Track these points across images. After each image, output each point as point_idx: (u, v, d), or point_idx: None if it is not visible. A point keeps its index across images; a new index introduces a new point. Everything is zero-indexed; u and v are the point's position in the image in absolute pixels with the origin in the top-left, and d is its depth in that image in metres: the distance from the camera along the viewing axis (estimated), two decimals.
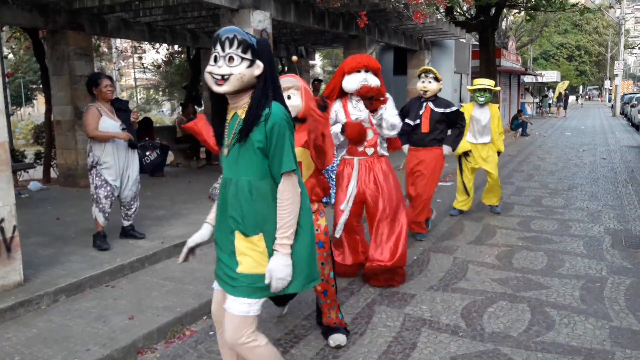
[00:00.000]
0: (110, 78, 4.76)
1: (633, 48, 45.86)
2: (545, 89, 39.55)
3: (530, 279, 4.26)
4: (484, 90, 6.18)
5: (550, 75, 32.78)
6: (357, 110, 4.15)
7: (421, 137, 5.28)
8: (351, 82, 4.06)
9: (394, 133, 4.19)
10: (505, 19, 29.33)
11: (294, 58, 3.31)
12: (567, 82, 34.29)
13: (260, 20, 6.19)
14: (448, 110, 5.28)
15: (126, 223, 4.96)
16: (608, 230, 5.67)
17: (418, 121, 5.27)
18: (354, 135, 4.06)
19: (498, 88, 7.18)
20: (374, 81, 4.13)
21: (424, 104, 5.27)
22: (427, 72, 5.22)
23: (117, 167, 4.67)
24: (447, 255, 4.92)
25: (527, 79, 30.12)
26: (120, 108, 4.77)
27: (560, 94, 32.33)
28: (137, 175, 4.90)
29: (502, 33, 28.30)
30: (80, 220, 5.66)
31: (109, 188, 4.65)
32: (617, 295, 3.88)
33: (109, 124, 4.62)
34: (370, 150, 4.22)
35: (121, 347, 3.07)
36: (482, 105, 6.21)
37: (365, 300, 3.91)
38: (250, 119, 2.00)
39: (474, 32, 19.36)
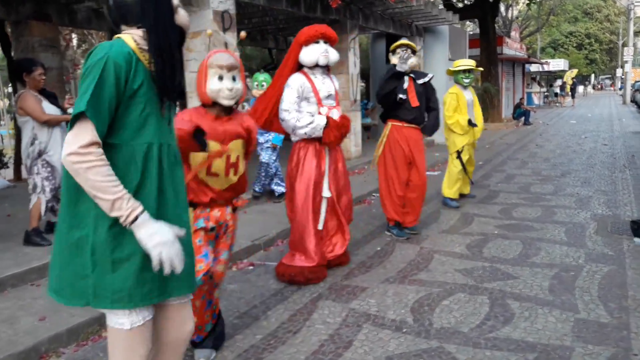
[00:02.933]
0: (43, 66, 4.48)
1: None
2: (554, 78, 38.76)
3: (497, 268, 3.87)
4: (468, 71, 5.78)
5: (557, 64, 31.95)
6: (326, 85, 3.82)
7: (413, 113, 4.69)
8: (311, 54, 3.70)
9: None
10: (510, 9, 28.75)
11: (242, 34, 2.95)
12: (575, 71, 33.48)
13: (221, 1, 5.84)
14: (426, 79, 4.82)
15: (54, 219, 4.64)
16: (595, 216, 5.24)
17: (405, 95, 4.67)
18: (339, 138, 3.79)
19: (480, 68, 6.77)
20: (333, 53, 3.78)
21: (405, 77, 4.70)
22: (403, 46, 4.66)
23: (59, 155, 4.39)
24: (414, 246, 4.54)
25: (534, 68, 29.41)
26: (50, 96, 4.49)
27: (564, 83, 31.54)
28: None
29: (507, 22, 27.74)
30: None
31: (54, 181, 4.36)
32: (590, 284, 3.47)
33: (52, 109, 4.38)
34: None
35: (18, 352, 2.74)
36: (465, 87, 5.83)
37: (311, 294, 3.55)
38: None
39: (473, 19, 18.90)
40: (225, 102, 2.47)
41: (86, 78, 1.52)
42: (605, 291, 3.34)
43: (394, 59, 4.63)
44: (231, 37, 6.10)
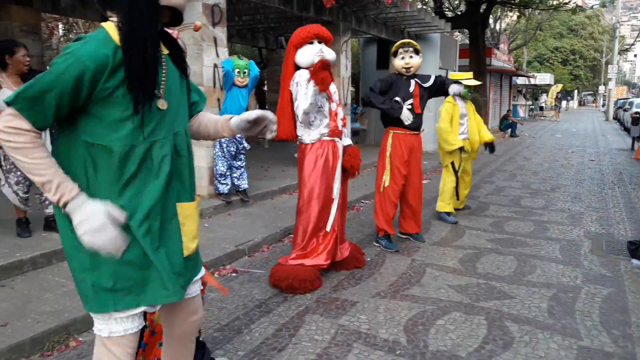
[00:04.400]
0: (25, 47, 4.19)
1: (627, 51, 45.55)
2: (540, 92, 39.15)
3: (493, 286, 3.70)
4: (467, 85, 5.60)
5: (543, 78, 32.27)
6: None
7: (416, 120, 4.51)
8: (305, 56, 3.59)
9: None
10: (499, 21, 28.92)
11: (197, 24, 2.74)
12: (560, 86, 33.83)
13: None
14: (431, 82, 4.61)
15: (47, 211, 4.38)
16: (589, 234, 5.11)
17: (411, 101, 4.46)
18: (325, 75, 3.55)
19: (479, 82, 6.65)
20: (329, 53, 3.63)
21: (412, 81, 4.50)
22: (405, 45, 4.43)
23: None
24: (405, 257, 4.35)
25: (520, 81, 29.63)
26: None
27: (557, 97, 31.83)
28: None
29: (495, 34, 27.89)
30: (1, 210, 5.04)
31: (19, 172, 4.09)
32: (590, 308, 3.32)
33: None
34: (344, 130, 3.87)
35: None
36: (465, 100, 5.66)
37: (298, 307, 3.33)
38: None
39: (463, 29, 18.90)
40: None
41: (45, 72, 1.37)
42: (607, 316, 3.18)
43: (397, 61, 4.44)
44: (221, 32, 5.87)
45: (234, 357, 2.69)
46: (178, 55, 1.61)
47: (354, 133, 11.84)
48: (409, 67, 4.42)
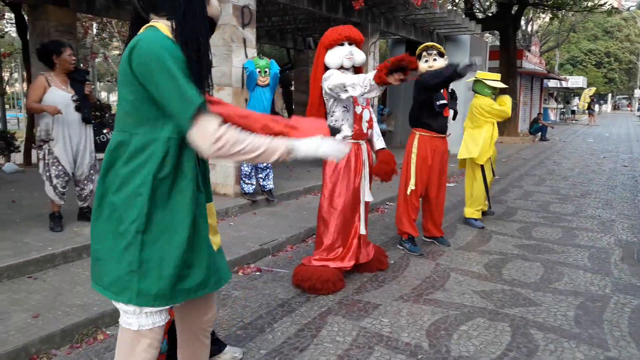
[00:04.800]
0: (71, 47, 4.38)
1: None
2: (572, 95, 38.29)
3: (519, 293, 3.65)
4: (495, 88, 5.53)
5: (575, 81, 31.57)
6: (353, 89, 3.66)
7: (443, 123, 4.52)
8: (335, 57, 3.60)
9: None
10: (531, 23, 28.42)
11: None
12: (593, 89, 33.02)
13: None
14: (451, 88, 4.63)
15: (81, 204, 4.59)
16: (619, 242, 4.99)
17: (444, 101, 4.42)
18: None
19: (505, 85, 6.54)
20: (359, 55, 3.67)
21: None
22: (428, 48, 4.40)
23: (69, 144, 4.31)
24: (429, 261, 4.33)
25: (551, 83, 29.05)
26: (76, 79, 4.37)
27: (592, 100, 31.00)
28: (91, 154, 4.49)
29: (527, 36, 27.41)
30: (37, 204, 5.22)
31: (60, 167, 4.27)
32: (619, 318, 3.24)
33: (59, 95, 4.25)
34: (370, 132, 3.86)
35: (7, 352, 2.56)
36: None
37: (320, 308, 3.35)
38: None
39: (494, 30, 18.61)
40: None
41: (161, 74, 1.44)
42: (637, 327, 3.11)
43: (421, 64, 4.42)
44: (250, 33, 5.93)
45: (256, 355, 2.73)
46: None
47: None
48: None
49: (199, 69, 1.54)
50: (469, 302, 3.47)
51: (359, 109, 3.70)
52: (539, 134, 17.69)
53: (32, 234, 4.19)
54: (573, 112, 30.15)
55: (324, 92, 3.64)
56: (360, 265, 3.91)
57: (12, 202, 5.36)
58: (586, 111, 31.44)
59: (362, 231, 3.78)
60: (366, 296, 3.55)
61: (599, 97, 48.95)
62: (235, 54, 5.74)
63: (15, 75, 31.56)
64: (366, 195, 3.76)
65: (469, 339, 2.94)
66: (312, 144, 1.65)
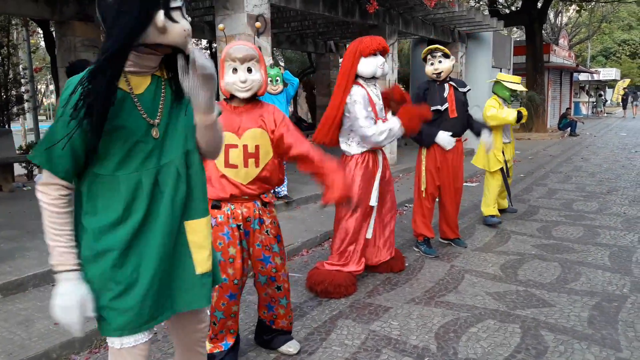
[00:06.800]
0: None
1: None
2: (606, 87, 37.21)
3: (532, 294, 3.62)
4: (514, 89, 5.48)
5: (608, 73, 30.66)
6: (379, 98, 3.79)
7: (453, 124, 4.46)
8: (369, 66, 3.65)
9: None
10: (559, 15, 27.80)
11: (257, 24, 2.88)
12: (627, 81, 32.02)
13: (255, 5, 5.77)
14: (466, 89, 4.60)
15: None
16: None
17: (446, 104, 4.43)
18: (416, 124, 3.68)
19: (525, 89, 6.47)
20: (387, 67, 3.81)
21: (445, 85, 4.47)
22: (433, 51, 4.43)
23: None
24: (444, 263, 4.32)
25: (582, 77, 28.32)
26: None
27: (625, 92, 30.04)
28: None
29: (555, 29, 26.83)
30: None
31: None
32: (635, 318, 3.19)
33: None
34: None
35: (29, 357, 2.71)
36: (506, 102, 5.53)
37: (332, 312, 3.40)
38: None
39: (519, 25, 18.30)
40: (240, 95, 2.46)
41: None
42: None
43: (427, 67, 4.45)
44: (265, 42, 6.03)
45: (266, 359, 2.80)
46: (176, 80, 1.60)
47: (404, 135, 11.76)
48: (439, 72, 4.41)
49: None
50: (481, 303, 3.47)
51: (379, 123, 3.70)
52: (568, 129, 17.29)
53: None
54: (604, 104, 29.25)
55: (347, 110, 3.64)
56: (376, 265, 3.99)
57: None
58: (620, 103, 30.52)
59: (368, 235, 3.82)
60: (377, 299, 3.58)
61: (636, 89, 47.41)
62: None
63: (52, 87, 32.79)
64: (372, 200, 3.79)
65: (478, 340, 2.94)
66: (64, 294, 1.49)
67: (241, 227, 2.55)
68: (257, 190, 2.55)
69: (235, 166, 2.47)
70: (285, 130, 2.53)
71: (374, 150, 3.80)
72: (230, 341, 2.67)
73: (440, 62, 4.37)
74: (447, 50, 4.42)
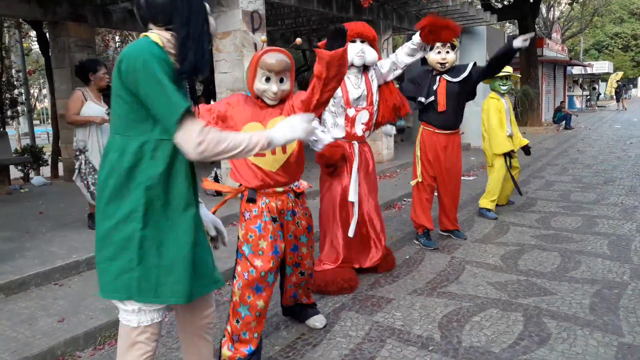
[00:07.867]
0: (105, 65, 4.74)
1: None
2: (599, 81, 37.36)
3: (534, 283, 3.64)
4: (507, 77, 5.49)
5: (601, 66, 30.81)
6: (360, 87, 3.68)
7: (445, 119, 4.44)
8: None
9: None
10: (552, 9, 27.88)
11: (298, 40, 2.87)
12: (620, 74, 32.16)
13: (250, 1, 5.76)
14: (466, 73, 4.40)
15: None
16: None
17: (432, 98, 4.41)
18: (330, 161, 3.59)
19: (518, 75, 6.46)
20: (371, 53, 3.64)
21: (437, 77, 4.43)
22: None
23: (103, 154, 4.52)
24: (445, 255, 4.34)
25: (576, 70, 28.42)
26: (108, 94, 4.69)
27: (619, 85, 30.11)
28: None
29: (548, 23, 26.91)
30: (63, 215, 5.42)
31: (97, 176, 4.48)
32: (636, 304, 3.21)
33: (94, 109, 4.62)
34: (367, 134, 3.81)
35: (33, 355, 2.70)
36: (502, 94, 5.54)
37: (334, 304, 3.41)
38: None
39: (512, 19, 18.35)
40: (269, 103, 2.53)
41: (148, 80, 1.50)
42: None
43: (432, 55, 4.35)
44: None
45: (270, 351, 2.80)
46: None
47: (399, 131, 11.80)
48: (445, 63, 4.37)
49: (191, 81, 1.62)
50: (483, 293, 3.48)
51: (351, 112, 3.65)
52: (563, 122, 17.36)
53: (57, 243, 4.36)
54: (598, 97, 29.35)
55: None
56: (367, 267, 3.89)
57: (39, 214, 5.57)
58: (614, 96, 30.64)
59: (350, 234, 3.67)
60: (380, 291, 3.60)
61: (628, 82, 47.58)
62: (246, 59, 5.83)
63: (45, 91, 32.63)
64: (351, 196, 3.66)
65: (481, 329, 2.95)
66: (285, 129, 1.71)
67: (276, 219, 2.59)
68: (285, 177, 2.59)
69: (262, 154, 2.49)
70: (296, 97, 2.57)
71: (349, 141, 3.69)
72: (253, 346, 2.55)
73: (447, 52, 4.34)
74: (456, 43, 4.41)
